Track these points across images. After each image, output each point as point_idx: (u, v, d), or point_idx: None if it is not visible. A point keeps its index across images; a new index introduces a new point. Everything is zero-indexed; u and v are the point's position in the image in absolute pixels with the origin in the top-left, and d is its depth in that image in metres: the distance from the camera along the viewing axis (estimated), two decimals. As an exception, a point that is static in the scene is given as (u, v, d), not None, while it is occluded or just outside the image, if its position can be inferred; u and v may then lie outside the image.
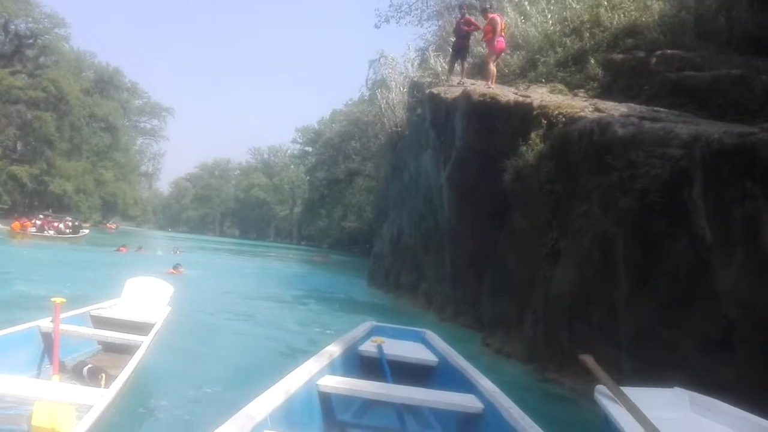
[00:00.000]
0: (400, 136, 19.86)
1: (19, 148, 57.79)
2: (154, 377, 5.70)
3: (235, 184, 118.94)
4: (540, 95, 10.23)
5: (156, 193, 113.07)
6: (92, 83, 68.50)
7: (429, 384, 4.51)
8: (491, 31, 12.20)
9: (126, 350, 5.20)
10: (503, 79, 12.94)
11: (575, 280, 7.33)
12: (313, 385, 3.66)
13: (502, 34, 12.28)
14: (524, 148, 9.03)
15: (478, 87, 11.29)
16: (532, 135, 9.00)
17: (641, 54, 10.07)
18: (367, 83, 34.81)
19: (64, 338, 4.93)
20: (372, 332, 5.47)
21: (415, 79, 19.00)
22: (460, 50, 13.71)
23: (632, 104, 8.55)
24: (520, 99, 10.07)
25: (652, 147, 6.47)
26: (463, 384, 4.10)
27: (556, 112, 8.81)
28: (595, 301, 6.92)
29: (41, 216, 37.03)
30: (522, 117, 9.55)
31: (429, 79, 16.93)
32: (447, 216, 12.51)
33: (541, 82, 11.75)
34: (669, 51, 9.64)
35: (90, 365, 4.92)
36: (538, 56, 12.94)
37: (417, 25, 27.24)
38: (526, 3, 15.24)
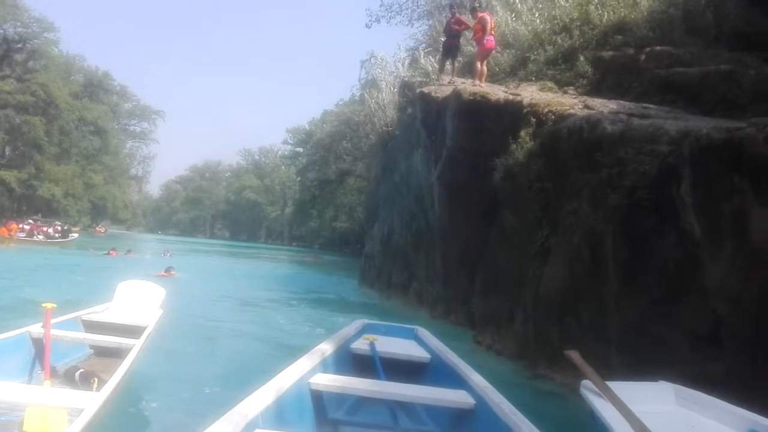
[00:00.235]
0: (391, 135, 19.86)
1: (7, 152, 57.35)
2: (146, 380, 5.69)
3: (226, 185, 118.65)
4: (530, 93, 10.25)
5: (146, 196, 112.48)
6: (81, 87, 68.09)
7: (421, 381, 4.53)
8: (481, 30, 12.22)
9: (118, 354, 5.18)
10: (493, 77, 12.97)
11: (565, 277, 7.36)
12: (305, 383, 3.66)
13: (492, 32, 12.29)
14: (514, 147, 9.05)
15: (469, 86, 11.31)
16: (522, 133, 9.02)
17: (630, 51, 10.12)
18: (360, 82, 34.79)
19: (55, 343, 4.90)
20: (364, 330, 5.48)
21: (406, 78, 19.01)
22: (450, 49, 13.73)
23: (622, 101, 8.59)
24: (510, 97, 10.10)
25: (641, 144, 6.50)
26: (455, 380, 4.12)
27: (546, 110, 8.83)
28: (584, 298, 6.95)
29: (30, 221, 36.81)
30: (512, 115, 9.57)
31: (419, 79, 16.94)
32: (438, 215, 12.53)
33: (531, 80, 11.78)
34: (658, 47, 9.68)
35: (82, 370, 4.90)
36: (528, 54, 12.97)
37: (407, 24, 27.25)
38: (517, 1, 15.27)
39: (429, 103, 13.03)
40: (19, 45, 58.83)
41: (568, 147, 7.69)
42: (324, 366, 4.11)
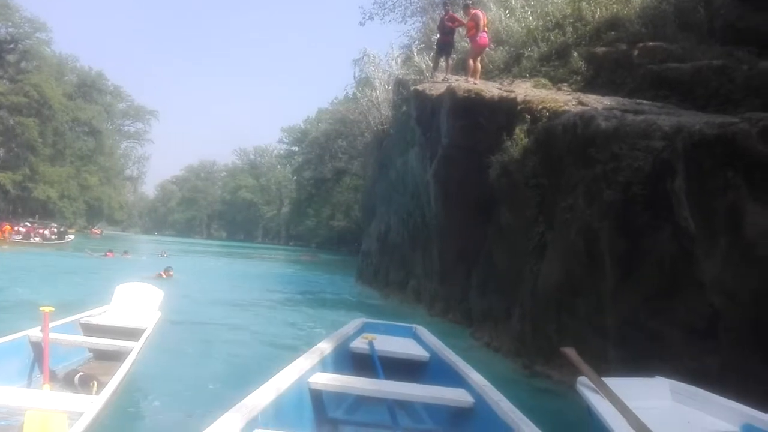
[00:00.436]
0: (386, 133, 19.89)
1: (1, 154, 57.22)
2: (145, 382, 5.71)
3: (222, 185, 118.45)
4: (524, 90, 10.27)
5: (141, 196, 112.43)
6: (75, 87, 67.98)
7: (420, 379, 4.55)
8: (474, 27, 12.23)
9: (117, 357, 5.19)
10: (487, 74, 12.98)
11: (561, 273, 7.39)
12: (305, 382, 3.68)
13: (485, 29, 12.32)
14: (509, 144, 9.08)
15: (463, 83, 11.32)
16: (517, 130, 9.04)
17: (623, 47, 10.13)
18: (355, 79, 34.79)
19: (54, 347, 4.92)
20: (363, 329, 5.50)
21: (400, 76, 19.02)
22: (444, 46, 13.74)
23: (615, 97, 8.62)
24: (505, 94, 10.12)
25: (635, 139, 6.52)
26: (454, 378, 4.14)
27: (540, 107, 8.85)
28: (581, 294, 6.98)
29: (27, 223, 36.76)
30: (506, 112, 9.58)
31: (414, 76, 16.95)
32: (434, 212, 12.55)
33: (525, 76, 11.80)
34: (651, 43, 9.70)
35: (81, 373, 4.91)
36: (521, 51, 12.99)
37: (401, 21, 27.29)
38: (512, -3, 15.29)
39: (423, 100, 13.05)
40: (11, 45, 58.67)
41: (563, 143, 7.71)
42: (323, 365, 4.12)
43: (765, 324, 5.07)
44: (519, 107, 9.32)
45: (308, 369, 3.80)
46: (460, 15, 13.88)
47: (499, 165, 9.29)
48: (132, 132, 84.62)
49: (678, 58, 9.01)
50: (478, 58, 12.25)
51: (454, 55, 14.18)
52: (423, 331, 5.56)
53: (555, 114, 8.34)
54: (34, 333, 4.96)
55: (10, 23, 57.76)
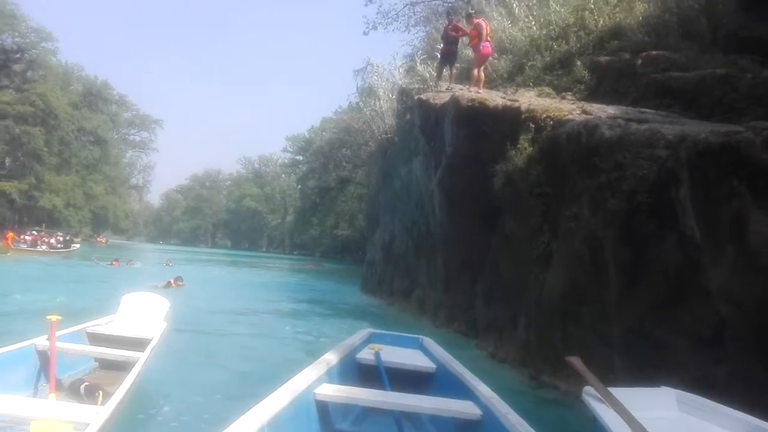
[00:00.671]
0: (390, 142, 19.94)
1: (7, 163, 57.39)
2: (152, 392, 5.70)
3: (227, 194, 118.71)
4: (528, 99, 10.30)
5: (147, 205, 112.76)
6: (80, 97, 68.31)
7: (427, 391, 4.53)
8: (477, 36, 12.30)
9: (123, 367, 5.19)
10: (491, 83, 13.03)
11: (566, 282, 7.38)
12: (311, 393, 3.67)
13: (488, 39, 12.37)
14: (513, 152, 9.09)
15: (467, 92, 11.36)
16: (521, 139, 9.06)
17: (627, 56, 10.16)
18: (358, 89, 34.92)
19: (60, 356, 4.92)
20: (370, 339, 5.48)
21: (404, 85, 19.08)
22: (448, 56, 13.80)
23: (619, 106, 8.63)
24: (509, 103, 10.14)
25: (639, 148, 6.53)
26: (461, 390, 4.12)
27: (544, 116, 8.87)
28: (586, 303, 6.96)
29: (33, 232, 36.91)
30: (510, 121, 9.61)
31: (417, 86, 17.01)
32: (438, 221, 12.56)
33: (529, 85, 11.83)
34: (654, 52, 9.72)
35: (87, 383, 4.92)
36: (525, 60, 13.04)
37: (404, 31, 27.49)
38: (515, 5, 15.35)
39: (427, 109, 13.08)
40: (18, 55, 59.00)
41: (567, 152, 7.72)
42: (329, 376, 4.11)
43: (771, 333, 5.05)
44: (523, 116, 9.34)
45: (314, 380, 3.78)
46: (463, 24, 13.93)
47: (503, 174, 9.30)
48: (137, 141, 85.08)
49: (681, 67, 9.02)
50: (482, 68, 12.30)
51: (458, 65, 14.24)
52: (430, 342, 5.54)
53: (559, 123, 8.36)
54: (41, 342, 4.97)
55: (16, 33, 58.11)
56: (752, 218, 5.21)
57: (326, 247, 72.02)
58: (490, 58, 13.03)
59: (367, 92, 28.88)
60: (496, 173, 9.46)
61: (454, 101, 11.02)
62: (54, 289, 15.18)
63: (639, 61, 9.70)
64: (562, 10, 13.36)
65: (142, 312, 6.67)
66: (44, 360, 4.89)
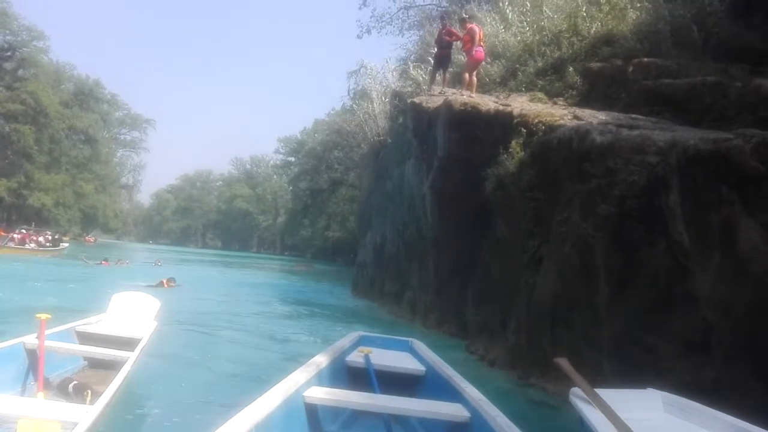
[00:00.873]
0: (383, 145, 19.95)
1: (-4, 161, 57.10)
2: (140, 393, 5.69)
3: (218, 195, 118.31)
4: (520, 104, 10.34)
5: (137, 205, 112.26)
6: (72, 95, 67.99)
7: (416, 393, 4.53)
8: (470, 40, 12.35)
9: (112, 366, 5.17)
10: (484, 87, 13.08)
11: (557, 286, 7.41)
12: (300, 396, 3.66)
13: (481, 43, 12.42)
14: (505, 157, 9.13)
15: (459, 96, 11.40)
16: (513, 143, 9.10)
17: (618, 62, 10.23)
18: (349, 92, 34.97)
19: (49, 354, 4.89)
20: (359, 342, 5.48)
21: (397, 88, 19.12)
22: (442, 60, 13.84)
23: (610, 112, 8.69)
24: (501, 108, 10.19)
25: (630, 154, 6.57)
26: (450, 393, 4.13)
27: (536, 121, 8.92)
28: (576, 307, 7.00)
29: (22, 230, 36.64)
30: (503, 125, 9.65)
31: (410, 89, 17.05)
32: (430, 224, 12.58)
33: (521, 90, 11.89)
34: (645, 59, 9.79)
35: (75, 382, 4.89)
36: (518, 65, 13.10)
37: (398, 35, 27.58)
38: (509, 11, 15.42)
39: (420, 113, 13.11)
40: (9, 53, 58.71)
41: (558, 157, 7.76)
42: (319, 379, 4.10)
43: (757, 338, 5.11)
44: (515, 121, 9.38)
45: (304, 382, 3.77)
46: (457, 29, 13.98)
47: (495, 178, 9.34)
48: (128, 140, 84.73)
49: (672, 74, 9.09)
50: (474, 72, 12.35)
51: (451, 69, 14.28)
52: (419, 345, 5.55)
53: (551, 128, 8.40)
54: (30, 340, 4.94)
55: (7, 31, 57.84)
56: (742, 225, 5.27)
57: (317, 249, 71.90)
58: (483, 62, 13.08)
59: (361, 95, 28.91)
60: (487, 177, 9.49)
61: (447, 105, 11.06)
62: (43, 288, 15.09)
63: (630, 68, 9.77)
64: (556, 16, 13.43)
65: (132, 311, 6.64)
66: (33, 358, 4.86)
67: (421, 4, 27.89)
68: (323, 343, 6.48)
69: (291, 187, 76.82)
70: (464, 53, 13.06)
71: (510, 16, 15.14)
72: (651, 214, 6.16)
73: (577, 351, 6.42)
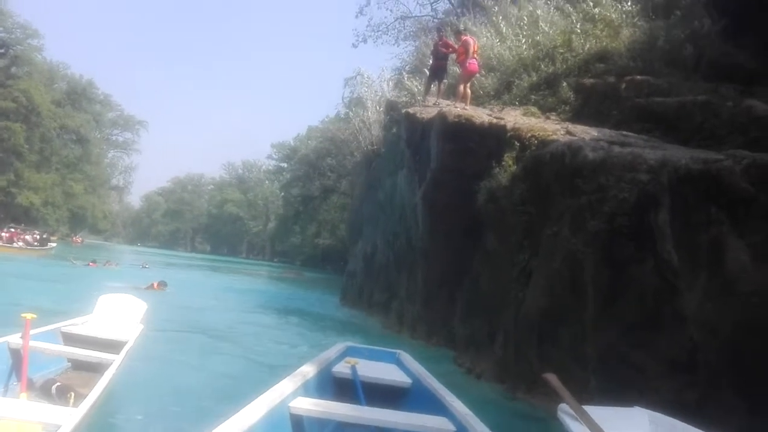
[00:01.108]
0: (376, 154, 19.96)
1: (-14, 159, 56.66)
2: (125, 397, 5.63)
3: (208, 199, 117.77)
4: (513, 117, 10.41)
5: (126, 207, 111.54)
6: (64, 95, 67.70)
7: (402, 406, 4.52)
8: (464, 52, 12.40)
9: (96, 368, 5.13)
10: (478, 100, 13.14)
11: (545, 300, 7.43)
12: (285, 407, 3.64)
13: (475, 56, 12.49)
14: (497, 170, 9.17)
15: (454, 108, 11.45)
16: (506, 157, 9.14)
17: (611, 79, 10.32)
18: (343, 100, 35.07)
19: (33, 355, 4.84)
20: (346, 353, 5.45)
21: (391, 98, 19.16)
22: (437, 71, 13.89)
23: (602, 129, 8.75)
24: (494, 121, 10.24)
25: (621, 171, 6.62)
26: (437, 406, 4.12)
27: (529, 135, 8.97)
28: (564, 322, 7.02)
29: (11, 228, 36.37)
30: (496, 138, 9.70)
31: (405, 99, 17.09)
32: (421, 235, 12.58)
33: (515, 104, 11.97)
34: (638, 77, 9.89)
35: (59, 383, 4.84)
36: (512, 79, 13.19)
37: (394, 44, 27.71)
38: (503, 25, 15.53)
39: (414, 123, 13.15)
40: (2, 50, 58.43)
41: (551, 172, 7.80)
42: (305, 389, 4.08)
43: (743, 357, 5.13)
44: (508, 134, 9.43)
45: (289, 393, 3.75)
46: (452, 41, 14.05)
47: (486, 190, 9.37)
48: (120, 142, 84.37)
49: (664, 93, 9.18)
50: (468, 84, 12.40)
51: (446, 80, 14.34)
52: (406, 357, 5.53)
53: (543, 143, 8.45)
54: (14, 340, 4.89)
55: (1, 28, 57.62)
56: (730, 245, 5.30)
57: (307, 256, 71.63)
58: (477, 75, 13.15)
59: (355, 103, 28.99)
60: (479, 189, 9.52)
61: (441, 116, 11.10)
62: (29, 287, 14.95)
63: (623, 85, 9.86)
64: (551, 31, 13.54)
65: (118, 313, 6.59)
66: (17, 358, 4.81)
67: (418, 14, 28.10)
68: (310, 352, 6.44)
69: (282, 193, 76.64)
70: (458, 65, 13.12)
71: (504, 30, 15.24)
72: (640, 231, 6.20)
73: (564, 366, 6.43)
